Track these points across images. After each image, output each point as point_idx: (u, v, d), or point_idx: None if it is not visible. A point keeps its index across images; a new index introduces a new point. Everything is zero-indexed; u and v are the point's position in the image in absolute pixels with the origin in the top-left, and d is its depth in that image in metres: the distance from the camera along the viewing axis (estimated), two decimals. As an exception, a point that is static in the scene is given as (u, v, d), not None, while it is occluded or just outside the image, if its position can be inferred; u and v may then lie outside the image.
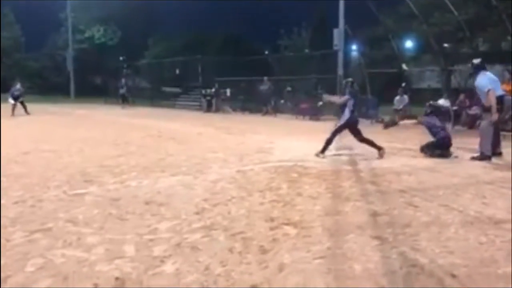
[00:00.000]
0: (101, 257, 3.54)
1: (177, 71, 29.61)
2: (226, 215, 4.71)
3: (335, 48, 20.29)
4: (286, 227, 4.33)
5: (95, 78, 42.74)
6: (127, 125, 15.64)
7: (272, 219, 4.55)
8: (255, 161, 8.02)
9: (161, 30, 43.79)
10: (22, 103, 19.63)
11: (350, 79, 8.97)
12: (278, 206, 5.08)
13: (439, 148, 8.59)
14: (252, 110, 22.43)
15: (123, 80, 28.22)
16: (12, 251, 3.62)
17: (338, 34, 20.05)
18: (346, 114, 8.39)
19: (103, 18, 44.16)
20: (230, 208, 4.95)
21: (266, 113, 20.99)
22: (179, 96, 28.72)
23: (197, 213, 4.75)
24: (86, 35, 44.25)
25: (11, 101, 19.54)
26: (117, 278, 3.17)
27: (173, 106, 27.13)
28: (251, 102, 23.38)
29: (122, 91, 27.56)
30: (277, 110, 21.04)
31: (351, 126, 8.53)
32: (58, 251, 3.63)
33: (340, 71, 20.03)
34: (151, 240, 3.94)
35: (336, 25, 20.32)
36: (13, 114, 18.74)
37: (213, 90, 24.33)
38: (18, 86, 20.04)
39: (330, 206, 5.09)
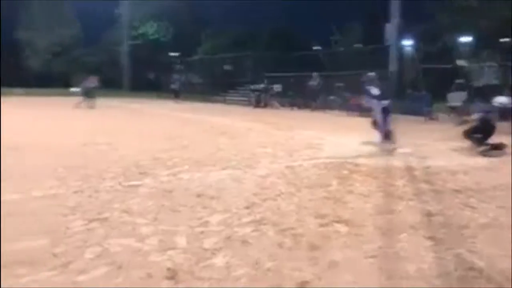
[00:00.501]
0: (154, 248, 3.65)
1: (227, 67, 29.90)
2: (275, 210, 4.72)
3: (387, 43, 19.81)
4: (336, 225, 4.29)
5: (148, 73, 43.87)
6: (179, 119, 15.97)
7: (322, 216, 4.52)
8: (304, 157, 7.99)
9: (213, 26, 44.31)
10: (89, 96, 20.32)
11: (371, 74, 9.37)
12: (328, 203, 5.04)
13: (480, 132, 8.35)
14: (301, 106, 22.32)
15: (175, 76, 28.82)
16: (73, 238, 3.80)
17: (390, 29, 19.56)
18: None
19: (156, 15, 45.23)
20: (279, 204, 4.96)
21: (315, 109, 20.83)
22: (229, 92, 29.02)
23: (247, 207, 4.79)
24: (140, 31, 45.47)
25: (80, 94, 20.45)
26: (169, 269, 3.25)
27: (223, 101, 27.44)
28: (300, 98, 23.25)
29: (174, 86, 28.17)
30: (326, 106, 20.82)
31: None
32: (114, 240, 3.77)
33: (392, 66, 19.54)
34: (202, 232, 4.02)
35: (388, 20, 19.83)
36: (80, 106, 19.44)
37: (262, 85, 24.40)
38: (91, 80, 20.84)
39: (382, 205, 5.00)
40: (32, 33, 50.97)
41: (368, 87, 9.21)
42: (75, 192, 5.29)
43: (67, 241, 3.71)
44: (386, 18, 20.38)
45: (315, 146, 9.28)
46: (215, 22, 45.61)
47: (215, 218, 4.41)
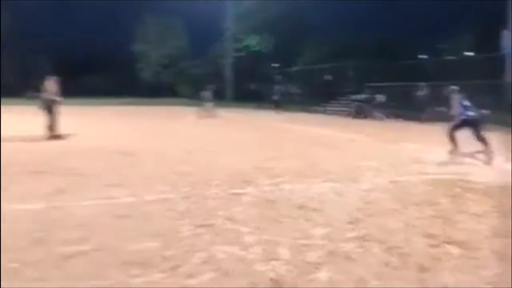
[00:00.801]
0: (258, 257, 3.68)
1: (328, 77, 29.67)
2: (380, 227, 4.54)
3: (503, 51, 18.33)
4: (448, 246, 4.01)
5: (250, 84, 45.04)
6: (279, 129, 16.14)
7: (431, 236, 4.25)
8: (411, 172, 7.63)
9: (313, 37, 44.36)
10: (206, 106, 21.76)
11: (454, 87, 9.61)
12: (438, 222, 4.73)
13: None
14: (406, 117, 21.39)
15: (276, 86, 29.21)
16: (181, 242, 3.97)
17: (507, 36, 18.09)
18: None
19: (258, 27, 46.40)
20: (385, 220, 4.77)
21: (422, 120, 19.84)
22: (329, 102, 28.75)
23: (350, 223, 4.66)
24: (244, 43, 46.94)
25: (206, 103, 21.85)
26: (272, 279, 3.26)
27: (323, 112, 27.25)
28: (405, 109, 22.30)
29: (275, 97, 28.54)
30: (434, 118, 19.70)
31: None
32: (219, 247, 3.87)
33: (509, 76, 18.02)
34: (305, 245, 3.98)
35: (506, 26, 18.36)
36: (204, 116, 20.63)
37: (364, 96, 23.82)
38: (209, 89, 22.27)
39: (499, 227, 4.59)
40: (145, 46, 55.04)
41: (454, 97, 9.52)
42: (184, 197, 5.54)
43: (176, 245, 3.89)
44: (502, 25, 18.90)
45: (422, 161, 8.82)
46: (316, 33, 45.69)
47: (318, 231, 4.35)
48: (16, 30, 53.05)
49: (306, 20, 49.22)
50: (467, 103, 9.33)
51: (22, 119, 18.57)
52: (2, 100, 31.36)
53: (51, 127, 11.93)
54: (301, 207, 5.20)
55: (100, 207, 5.08)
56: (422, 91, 20.45)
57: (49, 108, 11.95)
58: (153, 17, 54.61)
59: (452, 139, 9.43)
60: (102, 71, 56.76)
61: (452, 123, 9.45)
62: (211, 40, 51.26)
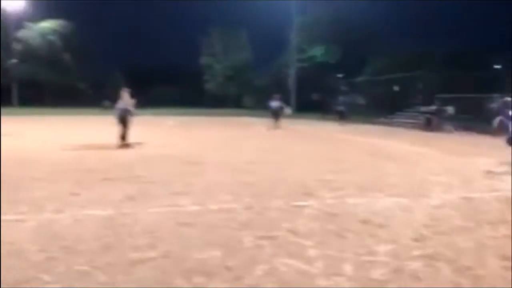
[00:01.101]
0: (321, 272, 3.63)
1: (396, 88, 28.88)
2: (450, 245, 4.33)
3: None
4: (525, 269, 3.74)
5: (313, 95, 44.86)
6: (343, 141, 15.91)
7: (507, 258, 3.99)
8: (483, 188, 7.23)
9: (382, 47, 43.49)
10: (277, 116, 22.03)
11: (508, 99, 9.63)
12: (514, 243, 4.44)
13: None
14: (479, 130, 20.33)
15: (340, 97, 28.73)
16: (244, 253, 4.00)
17: None
18: None
19: (325, 38, 46.21)
20: (454, 239, 4.54)
21: (496, 134, 18.75)
22: (396, 114, 27.98)
23: (416, 240, 4.49)
24: (309, 54, 46.90)
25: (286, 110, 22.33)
26: (335, 296, 3.20)
27: (389, 124, 26.54)
28: (478, 121, 21.22)
29: (340, 108, 27.91)
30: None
31: None
32: (282, 260, 3.86)
33: None
34: (369, 261, 3.87)
35: None
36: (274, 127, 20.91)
37: (433, 107, 22.95)
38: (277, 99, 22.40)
39: None
40: (211, 58, 56.57)
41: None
42: (246, 208, 5.60)
43: (238, 256, 3.92)
44: None
45: (496, 177, 8.34)
46: (384, 42, 44.77)
47: (382, 248, 4.22)
48: (89, 43, 56.34)
49: (374, 29, 48.43)
50: None
51: (97, 128, 19.65)
52: (77, 110, 33.35)
53: (124, 136, 12.55)
54: (365, 222, 5.08)
55: (167, 214, 5.24)
56: (496, 103, 19.35)
57: (123, 118, 12.58)
58: (218, 29, 56.07)
59: None
60: (170, 83, 59.00)
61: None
62: (275, 51, 51.86)
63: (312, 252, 4.06)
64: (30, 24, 53.18)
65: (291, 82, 42.87)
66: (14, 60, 51.43)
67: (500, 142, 16.51)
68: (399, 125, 25.54)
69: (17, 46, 52.38)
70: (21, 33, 52.92)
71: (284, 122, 22.29)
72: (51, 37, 53.28)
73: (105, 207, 5.52)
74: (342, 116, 27.07)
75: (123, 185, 6.97)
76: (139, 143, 12.83)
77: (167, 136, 16.82)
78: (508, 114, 9.45)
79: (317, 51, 46.89)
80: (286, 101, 41.36)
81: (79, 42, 54.53)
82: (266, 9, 47.19)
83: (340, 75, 42.05)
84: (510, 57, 32.01)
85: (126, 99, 12.83)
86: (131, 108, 12.86)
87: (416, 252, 4.13)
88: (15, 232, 4.46)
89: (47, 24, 53.87)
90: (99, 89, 54.61)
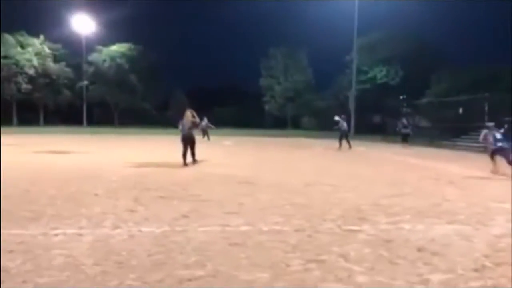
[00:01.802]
0: (369, 299, 3.53)
1: (461, 110, 27.75)
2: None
3: None
4: None
5: (374, 116, 44.07)
6: (404, 164, 15.44)
7: None
8: (553, 218, 6.73)
9: (447, 67, 42.10)
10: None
11: None
12: None
13: None
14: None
15: (404, 120, 27.83)
16: (291, 276, 3.97)
17: None
18: None
19: (386, 59, 45.50)
20: (517, 271, 4.26)
21: None
22: (460, 137, 26.84)
23: (475, 270, 4.25)
24: (369, 75, 46.30)
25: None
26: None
27: (453, 147, 25.48)
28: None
29: (405, 130, 26.75)
30: None
31: None
32: (330, 284, 3.79)
33: None
34: (421, 291, 3.72)
35: None
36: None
37: (502, 130, 21.79)
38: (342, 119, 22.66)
39: None
40: (271, 80, 57.22)
41: None
42: (297, 230, 5.56)
43: (286, 278, 3.90)
44: None
45: None
46: (449, 62, 43.27)
47: (436, 277, 4.03)
48: (155, 65, 58.88)
49: (437, 50, 47.08)
50: None
51: (159, 147, 20.37)
52: (142, 129, 34.72)
53: (185, 155, 12.99)
54: (420, 249, 4.88)
55: (218, 233, 5.31)
56: None
57: (183, 139, 13.07)
58: (278, 50, 56.74)
59: None
60: (231, 103, 60.20)
61: None
62: (336, 72, 51.64)
63: (361, 279, 3.95)
64: (101, 47, 56.54)
65: (351, 104, 42.36)
66: (86, 82, 54.72)
67: None
68: (464, 148, 24.45)
69: (88, 69, 55.76)
70: (92, 56, 56.33)
71: (344, 144, 21.99)
72: (119, 60, 56.25)
73: (160, 224, 5.69)
74: (406, 139, 26.23)
75: (179, 203, 7.16)
76: (199, 162, 13.23)
77: (226, 155, 17.10)
78: None
79: (378, 72, 46.20)
80: (346, 123, 41.01)
81: (145, 64, 57.19)
82: (326, 30, 47.41)
83: (402, 97, 41.05)
84: None
85: (189, 119, 13.22)
86: (193, 128, 13.38)
87: (473, 283, 3.93)
88: (74, 246, 4.69)
89: (116, 48, 57.02)
90: (163, 109, 56.78)
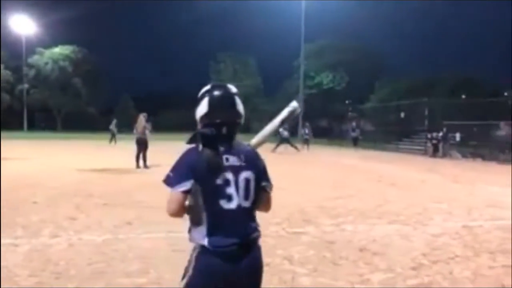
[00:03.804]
0: (312, 300, 3.58)
1: (402, 114, 28.89)
2: (447, 275, 4.26)
3: None
4: (522, 301, 3.67)
5: (320, 121, 44.95)
6: (348, 167, 15.83)
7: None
8: (485, 217, 7.13)
9: (389, 73, 43.76)
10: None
11: None
12: (513, 273, 4.36)
13: None
14: (486, 157, 20.20)
15: (354, 123, 28.83)
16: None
17: None
18: None
19: (332, 65, 46.65)
20: (452, 268, 4.47)
21: (503, 161, 18.62)
22: (402, 140, 27.91)
23: (413, 269, 4.42)
24: (316, 81, 47.27)
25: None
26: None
27: (396, 150, 26.45)
28: (485, 148, 21.11)
29: (354, 134, 28.00)
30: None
31: None
32: (274, 287, 3.81)
33: None
34: (362, 290, 3.82)
35: None
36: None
37: (440, 134, 22.88)
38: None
39: None
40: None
41: None
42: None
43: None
44: None
45: (499, 205, 8.22)
46: (392, 69, 45.07)
47: (377, 277, 4.16)
48: (99, 68, 57.23)
49: (381, 57, 48.88)
50: None
51: (103, 153, 19.81)
52: (86, 135, 33.70)
53: (137, 158, 13.32)
54: (362, 249, 5.02)
55: (162, 240, 5.22)
56: (503, 130, 19.27)
57: (137, 142, 13.41)
58: (227, 55, 56.79)
59: None
60: (180, 107, 59.46)
61: None
62: (284, 77, 52.27)
63: (304, 280, 4.01)
64: (42, 50, 54.30)
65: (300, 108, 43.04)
66: (26, 86, 52.35)
67: (506, 169, 16.40)
68: (406, 151, 25.44)
69: (29, 72, 53.38)
70: (33, 59, 53.98)
71: (289, 148, 22.26)
72: (62, 63, 54.25)
73: (102, 232, 5.52)
74: (356, 143, 27.23)
75: (123, 210, 6.98)
76: (148, 168, 13.04)
77: (169, 161, 16.84)
78: None
79: (324, 78, 47.26)
80: (295, 126, 41.54)
81: (90, 68, 55.48)
82: (274, 37, 47.88)
83: (347, 102, 42.19)
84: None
85: (140, 124, 13.60)
86: (144, 133, 13.58)
87: (411, 281, 4.09)
88: (8, 257, 4.46)
89: (59, 50, 54.96)
90: (108, 114, 55.25)
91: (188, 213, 2.01)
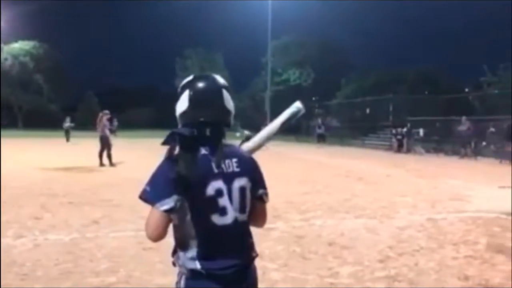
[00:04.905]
0: (282, 295, 3.62)
1: (368, 110, 29.44)
2: (412, 266, 4.39)
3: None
4: (483, 289, 3.82)
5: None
6: (316, 163, 16.01)
7: (466, 278, 4.07)
8: (449, 209, 7.37)
9: (355, 70, 44.42)
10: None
11: None
12: (475, 263, 4.53)
13: None
14: (448, 152, 20.83)
15: (319, 120, 29.20)
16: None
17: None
18: None
19: (299, 61, 47.00)
20: (417, 260, 4.60)
21: (464, 155, 19.25)
22: (368, 136, 28.45)
23: (381, 261, 4.53)
24: (283, 77, 47.52)
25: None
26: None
27: (362, 146, 26.93)
28: (447, 143, 21.77)
29: (319, 130, 28.40)
30: (477, 153, 19.11)
31: None
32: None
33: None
34: (331, 283, 3.89)
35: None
36: None
37: (404, 129, 23.43)
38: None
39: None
40: (187, 80, 56.51)
41: None
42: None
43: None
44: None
45: (462, 198, 8.50)
46: (357, 65, 45.79)
47: (345, 270, 4.24)
48: (62, 64, 55.72)
49: (347, 53, 49.60)
50: None
51: (70, 150, 19.34)
52: (48, 132, 32.83)
53: (101, 157, 13.12)
54: (330, 243, 5.11)
55: (130, 239, 5.15)
56: (464, 125, 19.90)
57: (100, 140, 13.20)
58: (194, 51, 56.36)
59: None
60: (145, 105, 58.67)
61: None
62: (252, 74, 52.33)
63: (275, 275, 4.05)
64: (2, 45, 52.41)
65: (267, 105, 43.15)
66: (-16, 82, 50.47)
67: (468, 163, 16.96)
68: (372, 146, 25.93)
69: (-13, 67, 51.46)
70: (-8, 54, 52.06)
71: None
72: (23, 59, 52.58)
73: (68, 231, 5.40)
74: (321, 139, 27.54)
75: (91, 208, 6.85)
76: (113, 165, 12.83)
77: (139, 158, 16.62)
78: None
79: (291, 75, 47.57)
80: (262, 123, 41.64)
81: (52, 64, 53.96)
82: (242, 33, 47.87)
83: (314, 98, 42.60)
84: (476, 82, 33.01)
85: (103, 122, 13.48)
86: (108, 130, 13.54)
87: (379, 274, 4.19)
88: (-30, 259, 4.31)
89: (19, 45, 53.22)
90: (71, 111, 53.89)
91: (174, 234, 1.71)
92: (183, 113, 1.75)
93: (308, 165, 15.12)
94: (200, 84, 1.74)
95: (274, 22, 42.16)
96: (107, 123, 13.67)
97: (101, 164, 12.99)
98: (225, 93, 1.74)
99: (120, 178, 10.48)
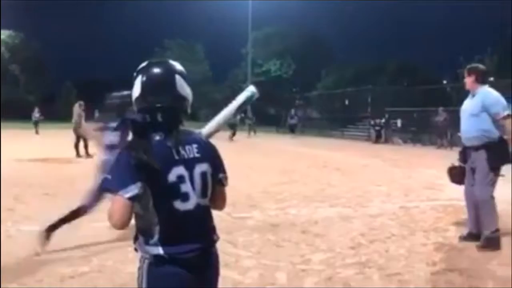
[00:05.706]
0: (255, 281, 3.68)
1: (347, 102, 29.70)
2: (383, 253, 4.49)
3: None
4: (450, 274, 3.93)
5: (269, 109, 45.30)
6: (294, 154, 16.11)
7: (434, 263, 4.18)
8: (421, 198, 7.53)
9: (334, 62, 44.66)
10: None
11: None
12: (443, 249, 4.65)
13: None
14: (425, 143, 21.20)
15: (293, 111, 29.34)
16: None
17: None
18: None
19: (280, 52, 47.00)
20: (388, 246, 4.71)
21: (441, 146, 19.61)
22: (347, 126, 28.72)
23: (352, 248, 4.62)
24: (264, 68, 47.49)
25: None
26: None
27: (341, 136, 27.18)
28: (424, 134, 22.15)
29: (291, 121, 28.55)
30: (453, 144, 19.45)
31: None
32: (217, 271, 3.87)
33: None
34: (303, 270, 3.96)
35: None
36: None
37: (383, 120, 23.73)
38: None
39: (506, 255, 4.46)
40: (167, 72, 55.97)
41: None
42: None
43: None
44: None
45: (435, 187, 8.68)
46: (337, 57, 46.04)
47: (317, 257, 4.32)
48: (39, 54, 54.68)
49: (326, 45, 49.76)
50: None
51: (46, 141, 19.05)
52: (25, 124, 32.29)
53: (77, 148, 13.17)
54: (304, 231, 5.18)
55: (105, 229, 5.11)
56: (441, 116, 20.24)
57: (75, 131, 13.28)
58: (174, 42, 55.87)
59: None
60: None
61: None
62: (232, 65, 52.16)
63: (247, 263, 4.10)
64: (-24, 35, 51.13)
65: (247, 96, 43.15)
66: (-42, 72, 49.21)
67: (444, 153, 17.26)
68: (350, 137, 26.20)
69: (-39, 58, 50.17)
70: (-34, 44, 50.76)
71: (238, 135, 22.36)
72: (-2, 48, 51.39)
73: (42, 222, 5.35)
74: (293, 129, 27.63)
75: (64, 200, 6.77)
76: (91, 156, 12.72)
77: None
78: None
79: (272, 66, 47.58)
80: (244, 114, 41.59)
81: (29, 54, 52.87)
82: (222, 24, 47.59)
83: (295, 89, 42.74)
84: (453, 73, 33.52)
85: (78, 112, 13.63)
86: (83, 121, 13.35)
87: (350, 260, 4.27)
88: None
89: (-6, 35, 51.95)
90: (49, 102, 52.96)
91: (135, 220, 1.70)
92: (137, 99, 1.76)
93: (287, 156, 15.22)
94: (153, 70, 1.76)
95: (254, 13, 42.02)
96: (82, 113, 13.61)
97: (78, 155, 12.90)
98: (179, 79, 1.75)
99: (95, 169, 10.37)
